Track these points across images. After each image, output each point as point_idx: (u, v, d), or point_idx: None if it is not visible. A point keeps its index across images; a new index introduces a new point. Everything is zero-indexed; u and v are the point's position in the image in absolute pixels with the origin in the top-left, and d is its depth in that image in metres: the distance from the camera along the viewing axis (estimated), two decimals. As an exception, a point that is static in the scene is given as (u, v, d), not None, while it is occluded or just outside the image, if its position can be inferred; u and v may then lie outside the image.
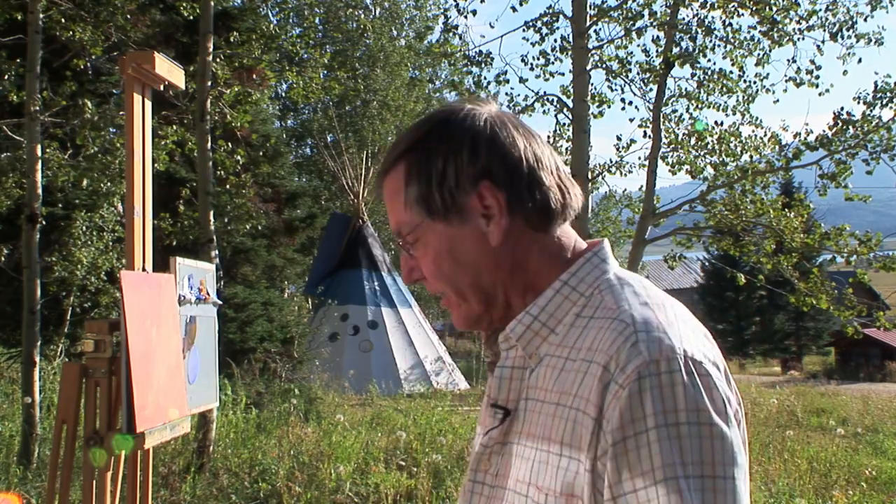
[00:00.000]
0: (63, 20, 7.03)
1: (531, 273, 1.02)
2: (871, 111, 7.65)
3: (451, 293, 1.04)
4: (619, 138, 9.00)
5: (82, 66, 8.53)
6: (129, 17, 7.74)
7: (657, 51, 8.66)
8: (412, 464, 6.24)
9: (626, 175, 9.53)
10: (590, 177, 7.81)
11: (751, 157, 8.49)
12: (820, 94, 8.47)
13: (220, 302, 3.81)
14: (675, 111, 8.74)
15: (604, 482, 0.86)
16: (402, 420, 8.92)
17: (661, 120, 8.41)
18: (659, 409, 0.84)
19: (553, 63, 8.70)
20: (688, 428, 0.83)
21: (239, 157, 7.71)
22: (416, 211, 1.02)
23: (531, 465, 0.94)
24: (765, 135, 8.48)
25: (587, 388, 0.89)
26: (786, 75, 8.38)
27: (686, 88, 8.66)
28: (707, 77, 8.50)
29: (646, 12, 8.45)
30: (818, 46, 8.12)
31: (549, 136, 9.09)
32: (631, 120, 8.93)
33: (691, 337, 0.91)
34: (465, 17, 8.50)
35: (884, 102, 7.63)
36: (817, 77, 8.28)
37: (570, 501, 0.89)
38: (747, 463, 0.88)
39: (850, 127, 7.72)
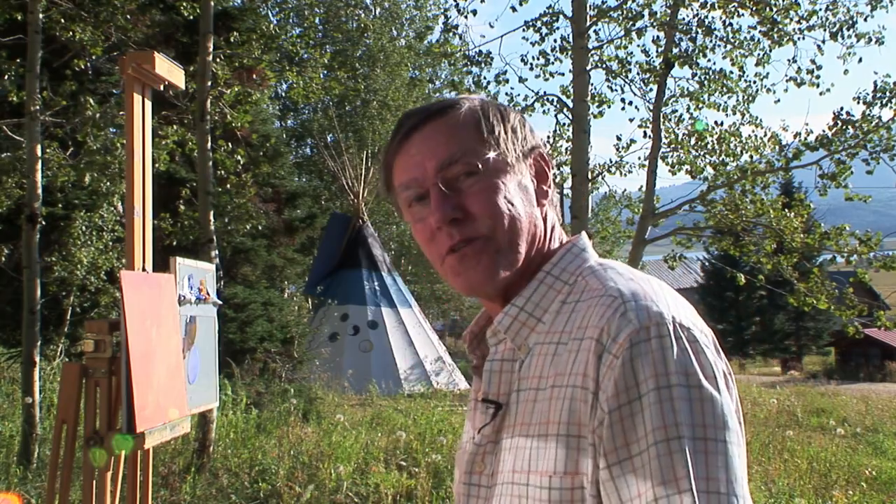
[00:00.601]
0: (63, 20, 7.03)
1: (547, 244, 1.06)
2: (870, 111, 7.65)
3: (488, 235, 0.99)
4: (619, 138, 9.00)
5: (82, 66, 8.52)
6: (129, 17, 7.74)
7: (657, 51, 8.65)
8: (412, 464, 6.24)
9: (626, 175, 9.54)
10: (590, 177, 7.80)
11: (751, 157, 8.49)
12: (820, 94, 8.48)
13: (220, 302, 3.81)
14: (675, 111, 8.75)
15: (601, 452, 0.86)
16: (402, 420, 8.93)
17: (661, 120, 8.41)
18: (650, 373, 0.84)
19: (553, 63, 8.71)
20: (679, 390, 0.84)
21: (239, 157, 7.71)
22: (495, 144, 1.03)
23: (527, 453, 0.93)
24: (765, 135, 8.48)
25: (582, 364, 0.90)
26: (786, 75, 8.38)
27: (686, 88, 8.67)
28: (707, 77, 8.50)
29: (646, 12, 8.45)
30: (818, 46, 8.12)
31: (549, 136, 9.09)
32: (631, 120, 8.94)
33: (679, 306, 0.92)
34: (465, 17, 8.49)
35: (883, 102, 7.63)
36: (817, 77, 8.27)
37: (574, 479, 0.88)
38: (741, 430, 0.87)
39: (850, 127, 7.71)
